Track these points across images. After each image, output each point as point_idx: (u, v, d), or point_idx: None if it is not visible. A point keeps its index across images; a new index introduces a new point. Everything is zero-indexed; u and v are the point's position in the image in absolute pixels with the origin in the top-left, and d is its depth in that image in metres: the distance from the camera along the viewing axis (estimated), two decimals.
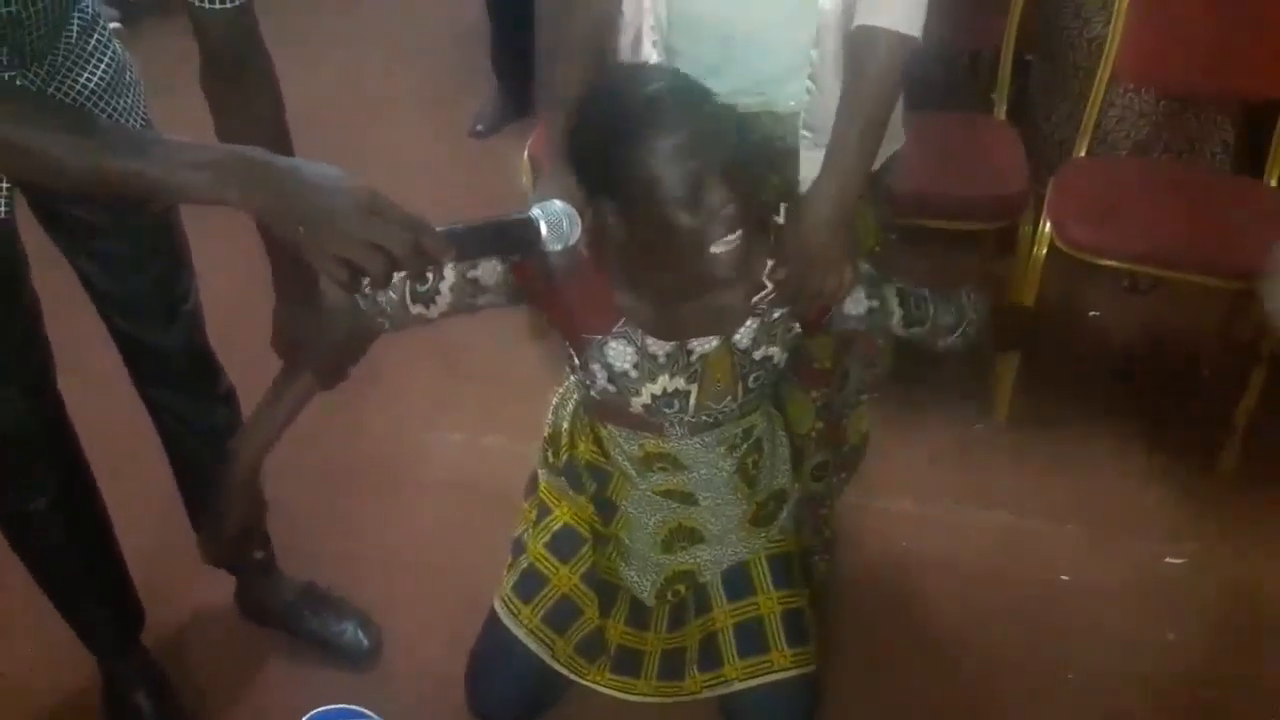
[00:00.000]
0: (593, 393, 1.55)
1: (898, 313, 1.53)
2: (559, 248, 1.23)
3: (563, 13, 1.54)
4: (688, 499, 1.64)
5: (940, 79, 3.02)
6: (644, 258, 1.38)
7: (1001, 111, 2.55)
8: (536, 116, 3.21)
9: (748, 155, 1.33)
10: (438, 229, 1.08)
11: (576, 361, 1.54)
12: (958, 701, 1.89)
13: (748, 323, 1.48)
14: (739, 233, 1.30)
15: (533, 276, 1.45)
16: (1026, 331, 1.95)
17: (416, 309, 1.48)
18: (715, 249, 1.30)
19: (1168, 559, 2.15)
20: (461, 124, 3.40)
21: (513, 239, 1.22)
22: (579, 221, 1.25)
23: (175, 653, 1.96)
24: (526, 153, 2.43)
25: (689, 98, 1.30)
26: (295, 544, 2.06)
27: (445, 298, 1.47)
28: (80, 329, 1.72)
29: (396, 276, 1.36)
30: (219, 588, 2.02)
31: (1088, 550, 2.16)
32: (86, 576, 1.79)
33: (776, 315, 1.48)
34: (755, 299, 1.45)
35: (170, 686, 1.89)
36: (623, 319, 1.47)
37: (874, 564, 2.11)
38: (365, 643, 1.96)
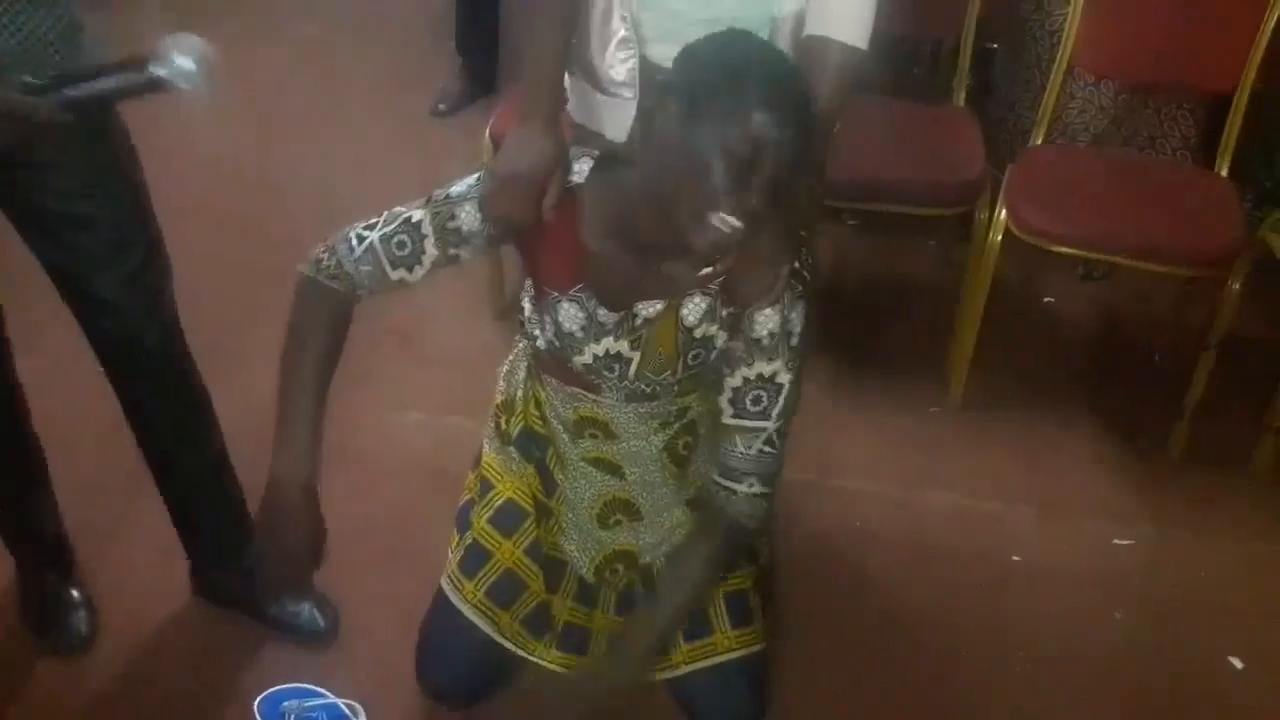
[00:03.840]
0: (542, 341, 1.56)
1: (744, 374, 1.45)
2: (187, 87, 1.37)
3: None
4: (615, 470, 1.65)
5: (902, 68, 3.06)
6: (653, 192, 1.30)
7: (960, 99, 2.57)
8: (499, 97, 3.23)
9: (794, 180, 1.28)
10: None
11: (528, 313, 1.56)
12: (910, 677, 1.92)
13: (697, 300, 1.48)
14: (740, 226, 1.24)
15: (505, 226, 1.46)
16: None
17: (398, 274, 1.46)
18: (714, 220, 1.24)
19: (1116, 540, 2.19)
20: (424, 103, 3.40)
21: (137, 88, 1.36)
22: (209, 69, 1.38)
23: (130, 632, 1.95)
24: (488, 132, 2.42)
25: (805, 106, 1.26)
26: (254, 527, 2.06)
27: (430, 255, 1.45)
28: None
29: (376, 241, 1.41)
30: (174, 568, 2.02)
31: (1038, 531, 2.20)
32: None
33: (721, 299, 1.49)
34: (703, 275, 1.45)
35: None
36: (580, 284, 1.48)
37: (829, 542, 2.14)
38: (322, 623, 1.96)
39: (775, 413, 1.46)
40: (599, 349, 1.51)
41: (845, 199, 2.39)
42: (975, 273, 2.35)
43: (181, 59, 1.39)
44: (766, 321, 1.43)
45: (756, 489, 1.49)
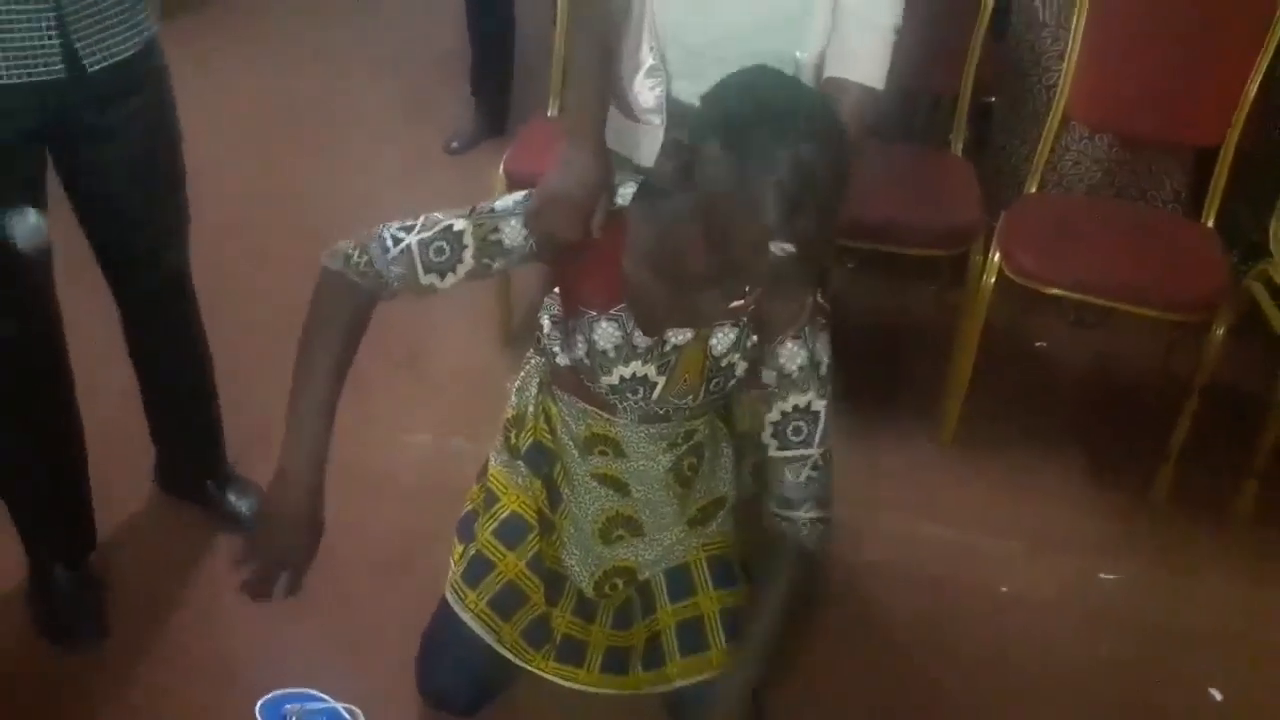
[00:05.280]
0: (564, 359, 1.59)
1: (783, 407, 1.50)
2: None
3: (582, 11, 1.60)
4: (621, 488, 1.70)
5: (905, 120, 3.15)
6: (702, 226, 1.32)
7: (958, 148, 2.66)
8: (511, 136, 3.31)
9: (838, 203, 1.32)
10: None
11: (547, 329, 1.59)
12: (898, 704, 1.96)
13: (727, 330, 1.53)
14: (795, 251, 1.27)
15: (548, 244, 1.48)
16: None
17: (429, 279, 1.46)
18: (773, 249, 1.26)
19: (1102, 575, 2.24)
20: (436, 139, 3.49)
21: None
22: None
23: (133, 633, 1.99)
24: (501, 168, 2.50)
25: (840, 133, 1.30)
26: None
27: (466, 265, 1.46)
28: None
29: (414, 243, 1.42)
30: (182, 572, 2.08)
31: (1027, 564, 2.25)
32: (49, 491, 1.93)
33: (750, 326, 1.55)
34: (736, 305, 1.51)
35: (104, 603, 2.00)
36: (622, 304, 1.52)
37: (825, 570, 2.18)
38: None
39: (817, 439, 1.52)
40: (626, 371, 1.55)
41: (845, 238, 2.47)
42: (970, 314, 2.42)
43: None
44: (794, 356, 1.49)
45: (814, 513, 1.54)
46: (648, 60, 1.61)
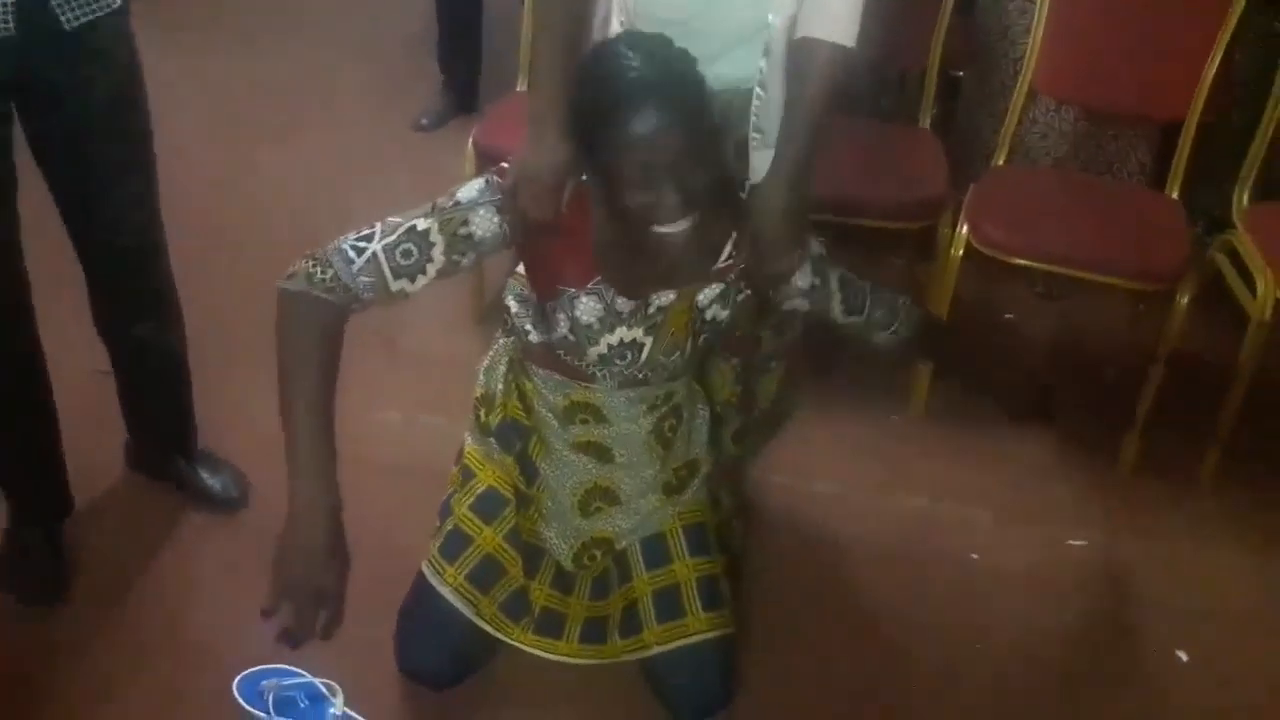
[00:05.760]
0: (538, 337, 1.61)
1: (838, 295, 1.67)
2: None
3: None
4: (604, 454, 1.72)
5: (873, 95, 3.16)
6: (611, 222, 1.47)
7: (925, 122, 2.68)
8: (480, 113, 3.31)
9: (706, 144, 1.40)
10: None
11: (515, 309, 1.62)
12: (872, 672, 1.98)
13: (712, 286, 1.57)
14: (686, 219, 1.39)
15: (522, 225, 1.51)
16: (946, 345, 2.06)
17: (399, 284, 1.45)
18: (661, 229, 1.39)
19: (1070, 541, 2.27)
20: (406, 119, 3.48)
21: None
22: None
23: (106, 606, 1.99)
24: (471, 141, 2.50)
25: (663, 80, 1.36)
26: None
27: (436, 264, 1.46)
28: None
29: (379, 251, 1.42)
30: (152, 542, 2.09)
31: (995, 533, 2.28)
32: (21, 453, 1.97)
33: (737, 283, 1.58)
34: (722, 266, 1.55)
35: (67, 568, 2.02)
36: (598, 277, 1.54)
37: (795, 542, 2.21)
38: (235, 492, 2.15)
39: (870, 286, 1.73)
40: (614, 338, 1.57)
41: (813, 212, 2.48)
42: (938, 286, 2.45)
43: None
44: (804, 274, 1.61)
45: (905, 306, 1.80)
46: (618, 32, 1.62)
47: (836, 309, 1.69)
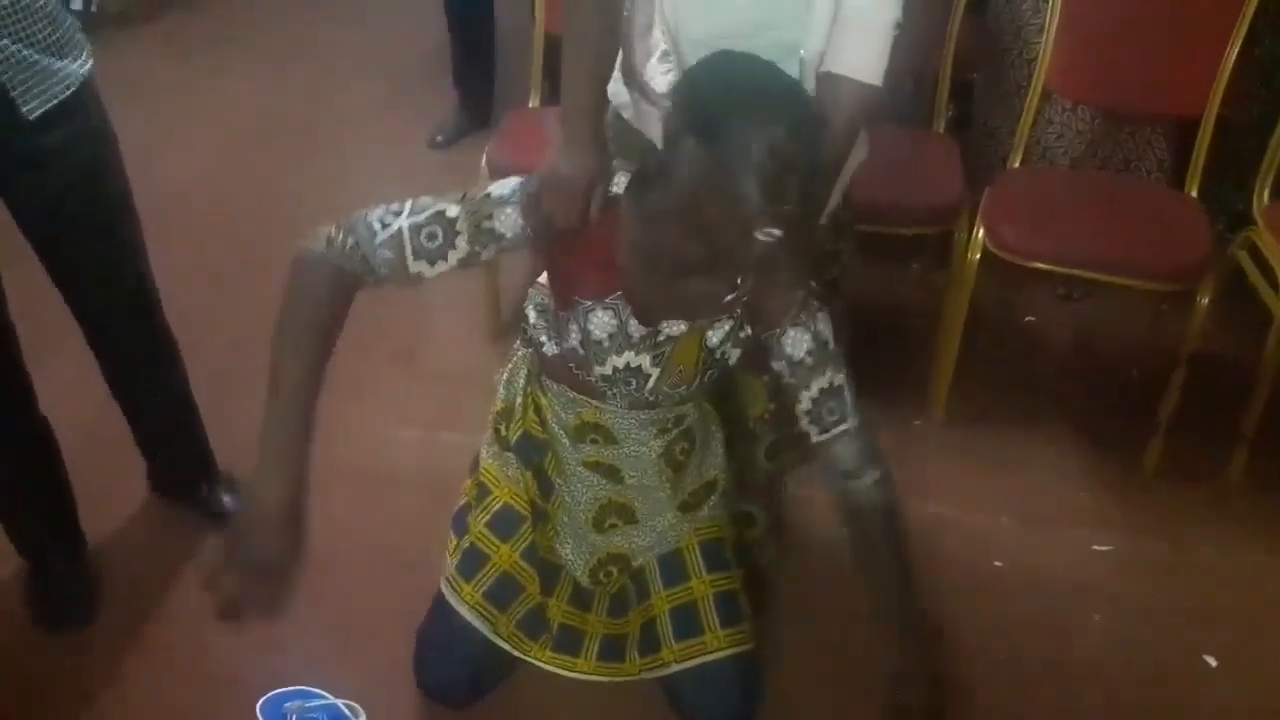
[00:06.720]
0: (553, 349, 1.58)
1: (809, 395, 1.50)
2: None
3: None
4: (614, 475, 1.71)
5: (888, 99, 3.15)
6: (690, 216, 1.28)
7: (940, 125, 2.66)
8: (494, 129, 3.31)
9: (821, 175, 1.35)
10: None
11: (534, 319, 1.59)
12: None
13: (724, 322, 1.53)
14: (781, 234, 1.25)
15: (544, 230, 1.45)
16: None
17: (417, 266, 1.40)
18: (759, 236, 1.24)
19: (1095, 546, 2.25)
20: (420, 135, 3.50)
21: None
22: None
23: (131, 633, 2.00)
24: (484, 157, 2.51)
25: (809, 110, 1.30)
26: None
27: (459, 252, 1.41)
28: None
29: (405, 227, 1.37)
30: (175, 568, 2.10)
31: (1019, 538, 2.26)
32: (28, 501, 1.97)
33: (742, 320, 1.54)
34: (730, 300, 1.48)
35: (97, 590, 2.03)
36: (618, 291, 1.51)
37: (821, 551, 2.19)
38: None
39: (850, 411, 1.50)
40: (620, 361, 1.55)
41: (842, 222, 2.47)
42: (956, 291, 2.43)
43: None
44: (799, 343, 1.48)
45: (875, 474, 1.51)
46: (660, 44, 1.59)
47: (803, 408, 1.51)
